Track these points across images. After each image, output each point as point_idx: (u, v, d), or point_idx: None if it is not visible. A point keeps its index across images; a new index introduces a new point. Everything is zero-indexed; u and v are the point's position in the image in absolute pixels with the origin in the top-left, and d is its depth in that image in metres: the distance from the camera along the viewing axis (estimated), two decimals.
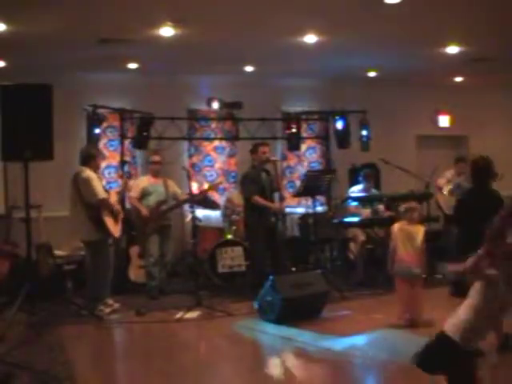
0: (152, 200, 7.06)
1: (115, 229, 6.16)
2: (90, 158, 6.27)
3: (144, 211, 6.93)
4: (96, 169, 6.32)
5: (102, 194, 6.04)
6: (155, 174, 7.23)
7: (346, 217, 7.64)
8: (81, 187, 6.05)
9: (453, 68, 8.80)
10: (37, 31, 6.25)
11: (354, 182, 8.46)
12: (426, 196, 7.62)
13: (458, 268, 3.78)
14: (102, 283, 6.17)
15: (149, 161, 7.37)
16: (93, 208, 6.01)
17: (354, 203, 7.83)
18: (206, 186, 7.55)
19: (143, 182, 7.25)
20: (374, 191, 8.08)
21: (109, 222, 6.07)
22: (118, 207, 6.28)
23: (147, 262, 7.01)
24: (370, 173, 8.07)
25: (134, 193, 7.11)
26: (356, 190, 8.04)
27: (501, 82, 10.01)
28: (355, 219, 7.57)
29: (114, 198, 6.30)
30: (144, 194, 7.09)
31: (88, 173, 6.11)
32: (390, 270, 5.54)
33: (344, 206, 8.05)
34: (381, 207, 7.78)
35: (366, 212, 7.75)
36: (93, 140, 7.24)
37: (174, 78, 8.57)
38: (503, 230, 3.07)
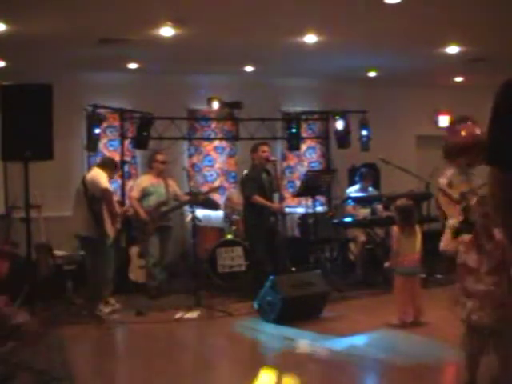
0: (152, 200, 7.05)
1: (111, 228, 6.16)
2: (109, 164, 6.41)
3: (143, 214, 6.92)
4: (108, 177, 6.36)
5: (106, 185, 6.10)
6: (158, 174, 7.21)
7: (345, 217, 7.65)
8: (87, 182, 6.15)
9: (453, 68, 8.79)
10: (37, 31, 6.24)
11: (354, 182, 8.47)
12: (426, 196, 7.62)
13: None
14: (102, 283, 6.17)
15: (154, 159, 7.25)
16: (97, 202, 6.07)
17: (351, 204, 7.85)
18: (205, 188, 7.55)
19: (144, 181, 7.21)
20: (370, 190, 8.08)
21: (106, 218, 6.09)
22: (118, 212, 6.28)
23: (148, 263, 7.01)
24: (366, 173, 8.08)
25: (134, 192, 7.11)
26: (353, 191, 8.05)
27: (501, 82, 10.00)
28: (355, 219, 7.58)
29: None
30: (145, 194, 7.08)
31: (98, 171, 6.24)
32: (390, 265, 5.56)
33: (342, 207, 8.07)
34: (379, 207, 7.78)
35: (363, 212, 7.76)
36: (93, 140, 7.23)
37: (174, 78, 8.57)
38: None
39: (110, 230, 6.14)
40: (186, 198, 7.18)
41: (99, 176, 6.14)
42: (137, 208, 6.98)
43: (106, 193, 6.07)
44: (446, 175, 8.44)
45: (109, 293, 6.27)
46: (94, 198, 6.08)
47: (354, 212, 7.85)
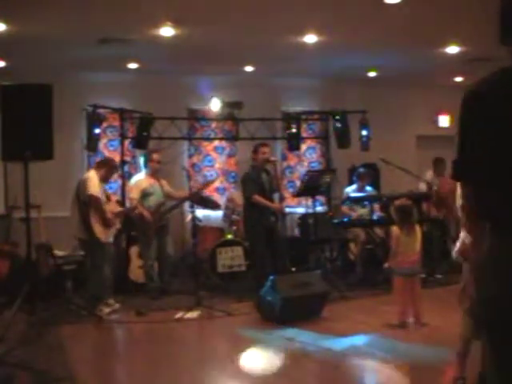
0: (152, 200, 7.02)
1: (102, 232, 6.13)
2: (104, 164, 6.42)
3: (147, 215, 6.88)
4: (103, 178, 6.34)
5: (92, 191, 6.07)
6: (154, 173, 7.17)
7: (343, 217, 7.66)
8: (80, 185, 6.17)
9: (453, 68, 8.80)
10: (37, 31, 6.25)
11: (353, 182, 8.48)
12: (426, 196, 7.62)
13: None
14: (101, 283, 6.16)
15: (149, 159, 7.12)
16: (85, 205, 6.07)
17: (347, 204, 7.87)
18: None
19: (143, 183, 7.12)
20: (368, 190, 8.09)
21: (94, 223, 6.07)
22: (112, 217, 6.24)
23: (145, 264, 6.98)
24: (364, 173, 8.09)
25: (134, 194, 7.04)
26: (350, 191, 8.06)
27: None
28: (355, 219, 7.57)
29: (113, 208, 6.34)
30: (144, 195, 7.03)
31: (91, 174, 6.22)
32: (389, 265, 5.56)
33: (339, 207, 8.08)
34: (376, 207, 7.78)
35: (362, 212, 7.76)
36: (93, 140, 7.23)
37: (174, 78, 8.57)
38: None
39: (101, 233, 6.11)
40: (182, 193, 7.14)
41: (89, 181, 6.13)
42: (141, 211, 6.91)
43: (91, 199, 6.06)
44: (427, 177, 8.37)
45: (108, 293, 6.26)
46: (83, 202, 6.09)
47: (350, 212, 7.86)
